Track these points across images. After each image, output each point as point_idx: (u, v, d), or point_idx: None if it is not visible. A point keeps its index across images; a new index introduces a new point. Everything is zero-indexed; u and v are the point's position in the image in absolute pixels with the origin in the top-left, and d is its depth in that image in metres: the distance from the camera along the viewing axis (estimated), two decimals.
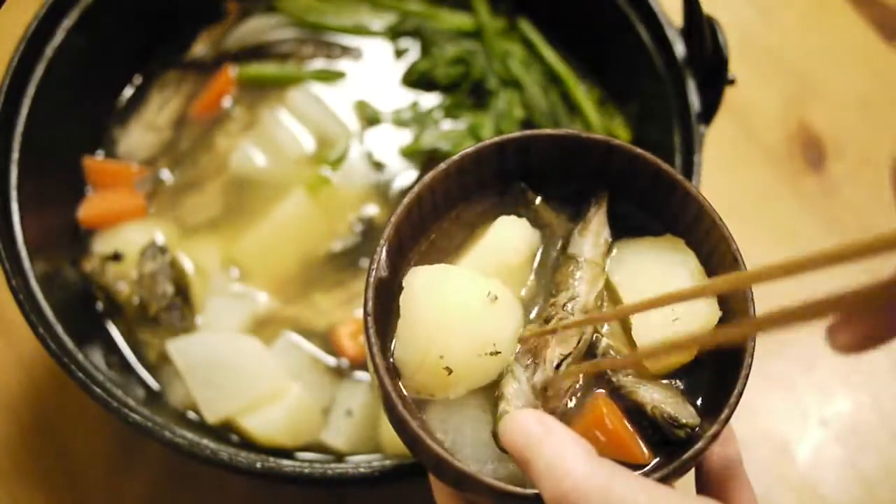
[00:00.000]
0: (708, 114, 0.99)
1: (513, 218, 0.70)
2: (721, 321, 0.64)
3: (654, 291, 0.65)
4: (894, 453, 1.11)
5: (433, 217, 0.70)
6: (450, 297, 0.63)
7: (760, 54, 1.38)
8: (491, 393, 0.64)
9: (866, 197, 1.27)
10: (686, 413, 0.62)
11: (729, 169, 1.27)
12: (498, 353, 0.63)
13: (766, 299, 0.57)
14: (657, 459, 0.62)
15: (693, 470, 0.64)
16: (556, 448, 0.53)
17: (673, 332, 0.63)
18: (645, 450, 0.62)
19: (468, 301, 0.63)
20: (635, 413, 0.63)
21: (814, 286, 0.47)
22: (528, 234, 0.70)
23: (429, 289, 0.64)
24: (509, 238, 0.69)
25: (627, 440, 0.62)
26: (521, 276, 0.69)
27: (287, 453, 0.97)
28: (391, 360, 0.65)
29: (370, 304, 0.63)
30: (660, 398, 0.62)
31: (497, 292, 0.64)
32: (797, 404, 1.14)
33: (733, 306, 0.64)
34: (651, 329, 0.64)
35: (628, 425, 0.62)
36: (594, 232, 0.69)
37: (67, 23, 1.03)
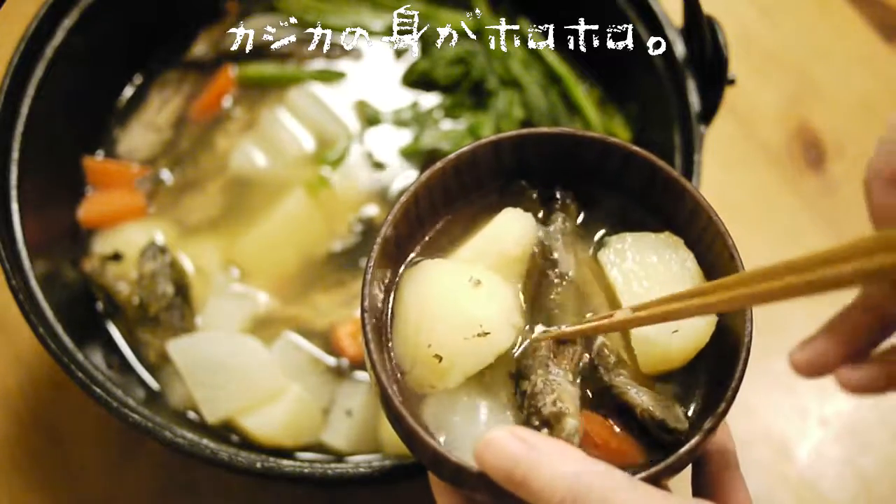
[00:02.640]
0: (708, 114, 0.99)
1: (518, 210, 0.70)
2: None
3: (652, 292, 0.65)
4: (893, 452, 1.11)
5: (431, 216, 0.70)
6: (432, 287, 0.64)
7: (760, 54, 1.38)
8: (488, 389, 0.64)
9: None
10: (674, 418, 0.61)
11: (729, 169, 1.27)
12: (486, 333, 0.63)
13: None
14: (652, 457, 0.61)
15: (690, 471, 0.64)
16: (546, 467, 0.50)
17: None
18: (639, 447, 0.62)
19: (449, 288, 0.64)
20: (626, 413, 0.62)
21: None
22: (532, 227, 0.70)
23: (413, 283, 0.65)
24: (512, 229, 0.69)
25: (620, 440, 0.62)
26: (521, 268, 0.69)
27: (287, 453, 0.97)
28: (393, 360, 0.65)
29: (366, 302, 0.63)
30: (649, 401, 0.62)
31: (480, 276, 0.64)
32: (797, 403, 1.14)
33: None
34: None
35: (616, 429, 0.62)
36: (573, 248, 0.69)
37: (67, 23, 1.03)
